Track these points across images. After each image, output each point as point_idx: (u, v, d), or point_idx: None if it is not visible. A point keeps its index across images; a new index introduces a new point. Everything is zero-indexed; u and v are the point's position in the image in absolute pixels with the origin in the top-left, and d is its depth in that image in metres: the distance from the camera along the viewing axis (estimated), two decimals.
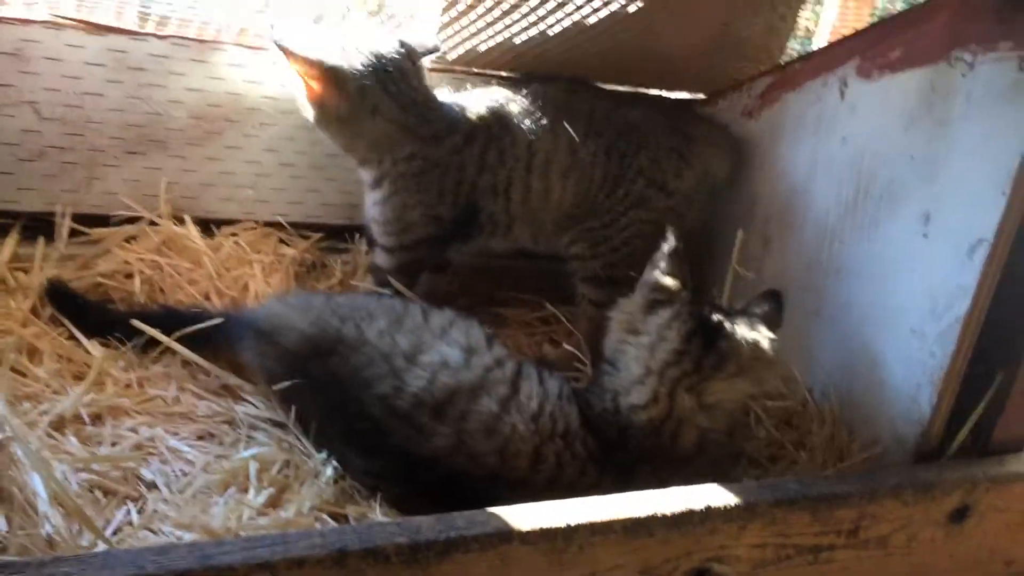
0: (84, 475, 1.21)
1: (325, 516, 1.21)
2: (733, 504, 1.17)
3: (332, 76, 1.59)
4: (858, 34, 1.68)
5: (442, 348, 1.37)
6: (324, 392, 1.35)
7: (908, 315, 1.48)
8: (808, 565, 1.29)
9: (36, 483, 1.08)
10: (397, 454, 1.28)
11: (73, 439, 1.29)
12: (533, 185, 1.79)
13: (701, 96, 2.21)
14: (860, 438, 1.58)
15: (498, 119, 1.76)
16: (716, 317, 1.40)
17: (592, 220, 1.85)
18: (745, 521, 1.19)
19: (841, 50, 1.69)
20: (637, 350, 1.40)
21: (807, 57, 1.82)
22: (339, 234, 1.99)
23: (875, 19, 1.96)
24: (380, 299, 1.53)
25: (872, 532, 1.32)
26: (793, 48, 2.12)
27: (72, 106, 1.71)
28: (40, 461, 1.12)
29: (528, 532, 1.03)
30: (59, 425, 1.32)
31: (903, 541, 1.36)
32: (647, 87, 2.21)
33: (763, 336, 1.40)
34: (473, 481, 1.26)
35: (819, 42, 2.21)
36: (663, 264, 1.47)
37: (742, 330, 1.39)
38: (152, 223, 1.82)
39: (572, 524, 1.06)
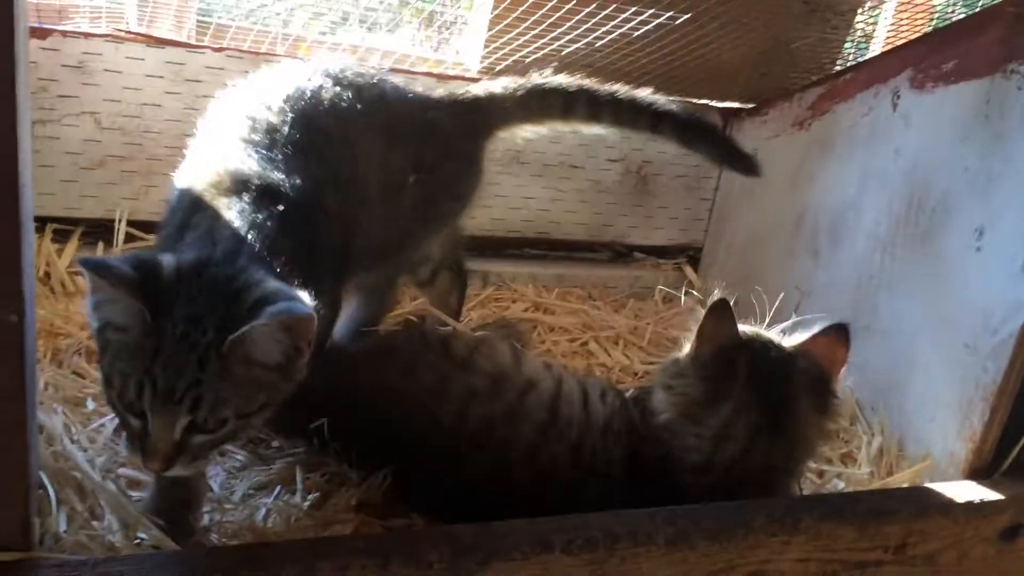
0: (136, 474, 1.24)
1: (368, 519, 1.22)
2: (777, 517, 1.16)
3: None
4: (910, 45, 1.66)
5: (469, 379, 1.31)
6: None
7: (961, 329, 1.45)
8: None
9: (92, 482, 1.11)
10: (437, 480, 1.27)
11: None
12: None
13: (751, 106, 2.20)
14: (910, 453, 1.56)
15: None
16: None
17: None
18: (789, 536, 1.17)
19: (893, 61, 1.67)
20: (699, 441, 1.27)
21: (858, 67, 1.80)
22: None
23: (933, 25, 1.92)
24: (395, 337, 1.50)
25: (920, 549, 1.29)
26: (849, 51, 2.10)
27: (131, 116, 1.76)
28: (91, 466, 1.16)
29: (571, 541, 1.03)
30: (118, 427, 1.35)
31: (953, 559, 1.33)
32: (696, 97, 2.21)
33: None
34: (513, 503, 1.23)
35: (876, 46, 2.17)
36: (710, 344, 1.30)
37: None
38: None
39: (614, 535, 1.06)
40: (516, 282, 2.13)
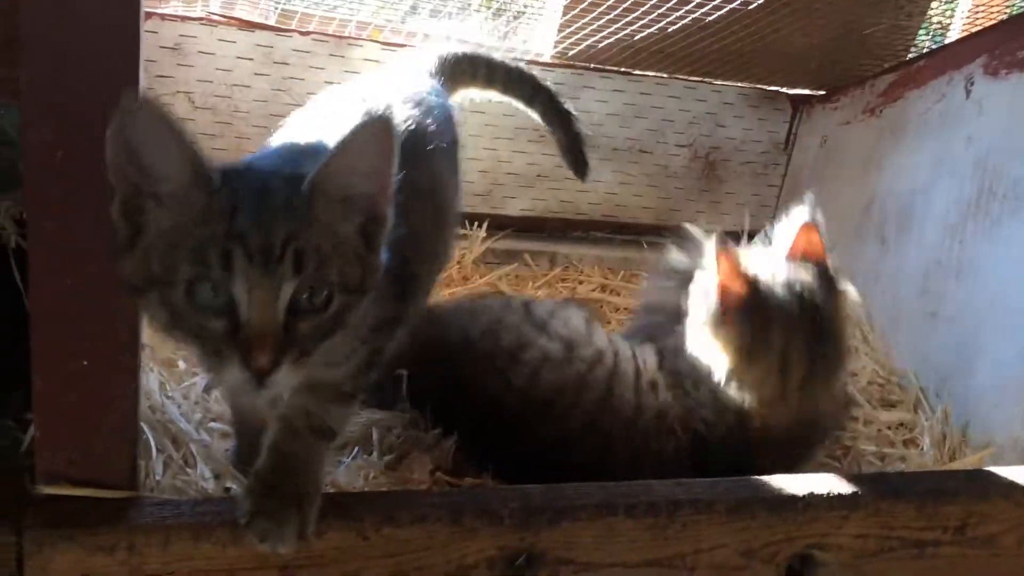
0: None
1: (442, 477, 1.28)
2: (836, 493, 1.18)
3: None
4: (985, 32, 1.65)
5: (543, 343, 1.39)
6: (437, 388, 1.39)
7: None
8: (912, 559, 1.27)
9: (186, 432, 1.19)
10: (506, 443, 1.33)
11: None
12: None
13: (821, 92, 2.19)
14: (973, 440, 1.56)
15: None
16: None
17: None
18: (848, 511, 1.19)
19: (967, 48, 1.66)
20: (766, 375, 1.36)
21: (931, 54, 1.79)
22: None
23: (1010, 14, 1.89)
24: (482, 299, 1.57)
25: (980, 531, 1.29)
26: (923, 42, 2.08)
27: (222, 96, 1.84)
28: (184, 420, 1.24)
29: (634, 506, 1.07)
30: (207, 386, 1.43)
31: (1013, 543, 1.32)
32: (767, 83, 2.21)
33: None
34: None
35: (953, 35, 2.15)
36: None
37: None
38: None
39: (676, 501, 1.10)
40: (583, 264, 2.17)
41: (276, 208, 0.78)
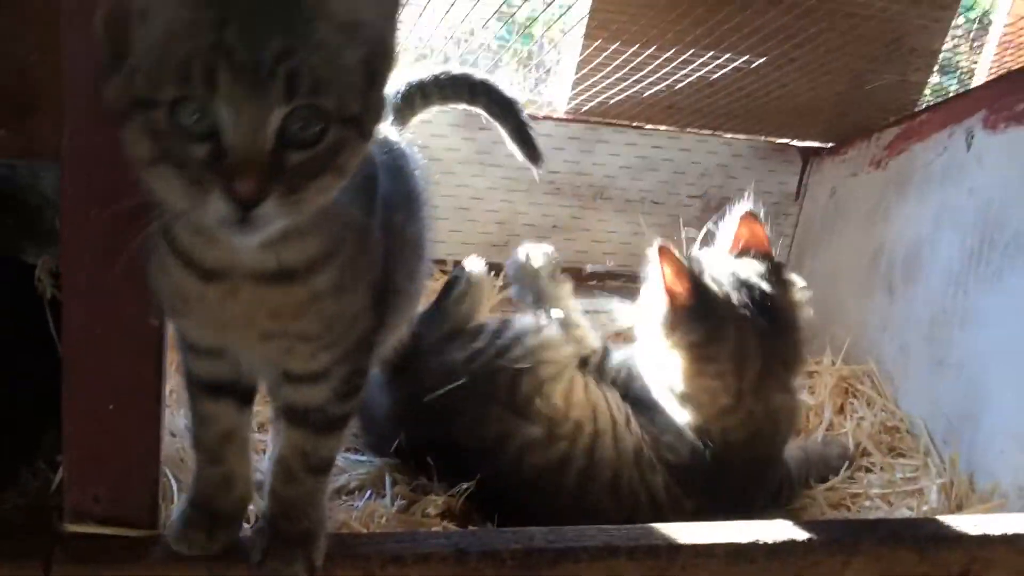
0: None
1: (449, 525, 1.31)
2: (837, 539, 1.20)
3: None
4: (984, 87, 1.69)
5: (526, 429, 1.38)
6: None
7: None
8: None
9: None
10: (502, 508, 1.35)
11: None
12: None
13: (830, 145, 2.24)
14: (980, 487, 1.56)
15: None
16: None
17: None
18: (848, 556, 1.20)
19: (967, 102, 1.70)
20: (721, 369, 1.39)
21: (933, 108, 1.84)
22: None
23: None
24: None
25: None
26: (951, 86, 2.11)
27: None
28: None
29: (634, 548, 1.10)
30: None
31: None
32: (776, 136, 2.26)
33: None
34: None
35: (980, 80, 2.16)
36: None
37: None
38: None
39: (676, 546, 1.12)
40: (599, 315, 2.20)
41: (271, 21, 0.69)
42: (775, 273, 1.43)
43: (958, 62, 2.26)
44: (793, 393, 1.47)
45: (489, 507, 1.36)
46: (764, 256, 1.44)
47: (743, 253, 1.44)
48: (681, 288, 1.38)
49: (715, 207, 2.28)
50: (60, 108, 0.85)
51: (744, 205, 1.44)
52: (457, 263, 1.99)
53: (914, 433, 1.75)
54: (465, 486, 1.35)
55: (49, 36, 0.83)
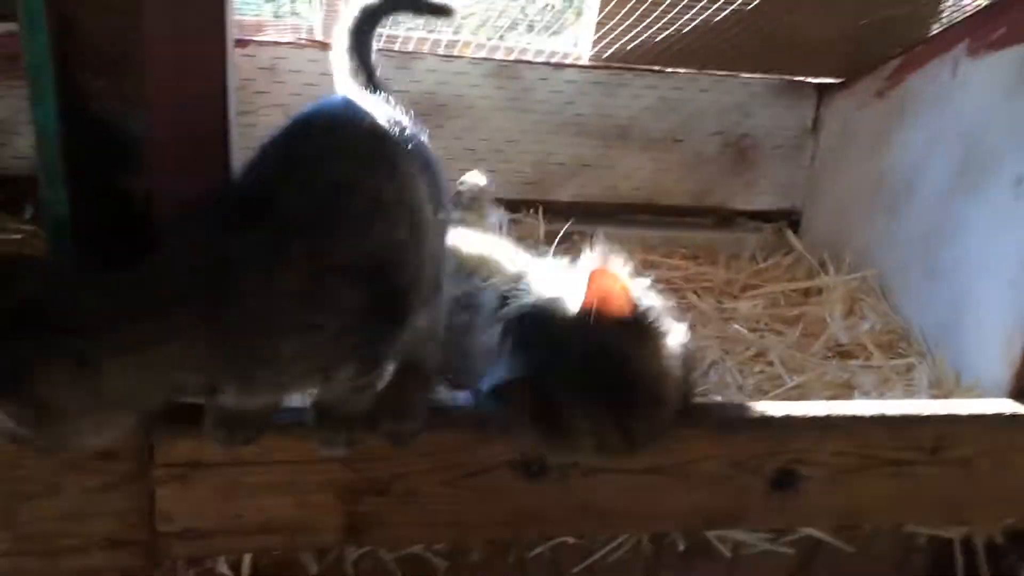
0: None
1: None
2: (812, 415, 1.33)
3: None
4: (968, 18, 1.75)
5: None
6: None
7: (1006, 269, 1.56)
8: (891, 476, 1.37)
9: None
10: None
11: None
12: None
13: (841, 80, 2.31)
14: (965, 383, 1.66)
15: None
16: None
17: None
18: (824, 430, 1.33)
19: (954, 33, 1.78)
20: None
21: (928, 40, 1.90)
22: (515, 207, 2.26)
23: None
24: None
25: (954, 453, 1.37)
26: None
27: None
28: None
29: None
30: None
31: (988, 466, 1.40)
32: (792, 74, 2.34)
33: None
34: None
35: None
36: None
37: None
38: None
39: None
40: (627, 243, 2.33)
41: None
42: (635, 332, 1.09)
43: None
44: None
45: None
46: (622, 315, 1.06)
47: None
48: None
49: (734, 142, 2.39)
50: (143, 63, 1.03)
51: (593, 258, 1.06)
52: (498, 199, 2.16)
53: (909, 338, 1.86)
54: None
55: (132, 6, 1.01)
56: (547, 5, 2.26)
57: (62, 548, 1.12)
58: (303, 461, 1.13)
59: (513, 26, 2.31)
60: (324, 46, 2.07)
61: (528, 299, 1.12)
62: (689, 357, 1.18)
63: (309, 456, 1.13)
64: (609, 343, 1.05)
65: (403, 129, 1.05)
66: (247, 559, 1.24)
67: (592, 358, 1.04)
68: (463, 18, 2.38)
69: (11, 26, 1.33)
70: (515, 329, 1.10)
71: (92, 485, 1.10)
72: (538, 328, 1.08)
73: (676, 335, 1.14)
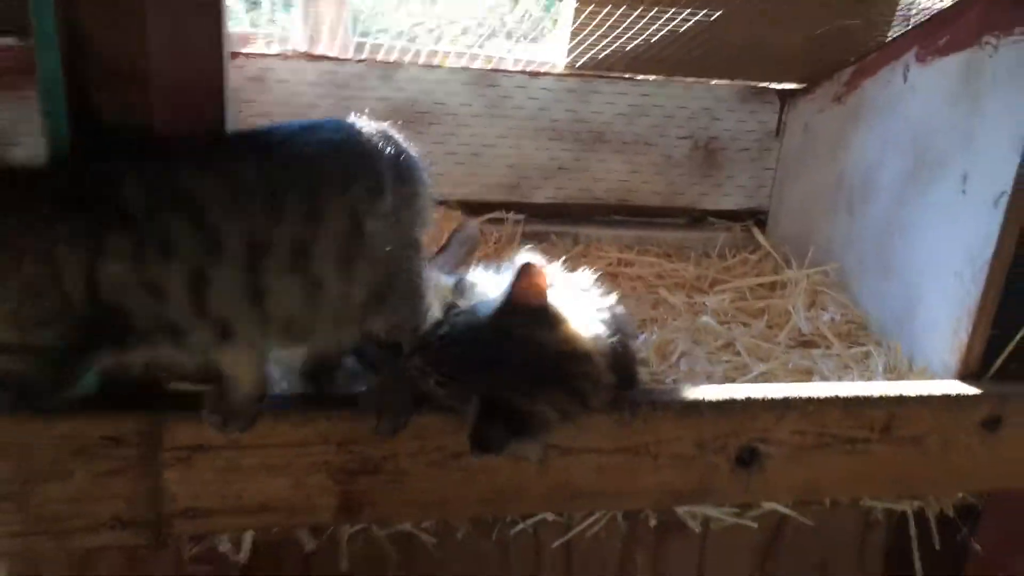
0: None
1: None
2: (771, 397, 1.41)
3: None
4: (918, 26, 1.85)
5: None
6: None
7: (953, 261, 1.65)
8: (847, 454, 1.45)
9: None
10: None
11: None
12: None
13: (803, 86, 2.41)
14: (916, 368, 1.76)
15: None
16: None
17: None
18: (782, 411, 1.41)
19: (905, 40, 1.87)
20: None
21: (882, 48, 2.00)
22: (493, 209, 2.34)
23: None
24: None
25: (905, 432, 1.46)
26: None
27: (296, 116, 2.16)
28: None
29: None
30: None
31: (938, 444, 1.48)
32: (757, 80, 2.43)
33: None
34: None
35: None
36: None
37: None
38: None
39: (635, 401, 1.34)
40: (601, 242, 2.43)
41: None
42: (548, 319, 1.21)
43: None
44: None
45: None
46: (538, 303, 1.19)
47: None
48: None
49: (703, 146, 2.49)
50: (148, 77, 1.11)
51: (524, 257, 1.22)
52: (476, 202, 2.24)
53: (867, 328, 1.96)
54: None
55: (138, 25, 1.08)
56: (525, 14, 2.35)
57: (72, 528, 1.19)
58: (298, 444, 1.21)
59: (493, 35, 2.39)
60: (310, 57, 2.15)
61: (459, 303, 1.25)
62: (619, 319, 1.34)
63: (304, 439, 1.21)
64: (523, 333, 1.18)
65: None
66: (247, 537, 1.31)
67: (515, 351, 1.18)
68: (445, 26, 2.46)
69: (8, 40, 1.42)
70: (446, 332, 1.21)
71: (101, 469, 1.17)
72: (466, 329, 1.20)
73: (601, 305, 1.33)
